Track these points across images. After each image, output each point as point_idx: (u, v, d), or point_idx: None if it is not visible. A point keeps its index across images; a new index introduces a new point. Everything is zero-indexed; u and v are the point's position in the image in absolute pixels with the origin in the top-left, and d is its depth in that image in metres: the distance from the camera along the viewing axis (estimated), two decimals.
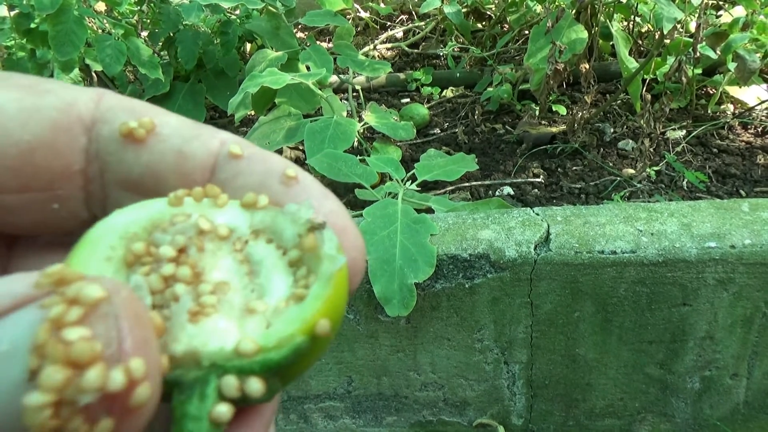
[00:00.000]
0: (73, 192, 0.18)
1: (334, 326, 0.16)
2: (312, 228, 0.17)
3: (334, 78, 1.66)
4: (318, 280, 0.16)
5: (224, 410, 0.14)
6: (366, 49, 1.88)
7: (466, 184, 1.27)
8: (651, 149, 1.24)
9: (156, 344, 0.14)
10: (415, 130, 1.35)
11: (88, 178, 0.17)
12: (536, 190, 1.25)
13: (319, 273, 0.16)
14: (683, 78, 1.23)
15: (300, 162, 1.46)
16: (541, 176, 1.28)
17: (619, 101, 1.53)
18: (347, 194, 1.31)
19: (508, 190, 1.25)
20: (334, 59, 1.37)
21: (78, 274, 0.13)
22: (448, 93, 1.70)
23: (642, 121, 1.25)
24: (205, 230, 0.16)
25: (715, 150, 1.32)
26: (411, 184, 1.05)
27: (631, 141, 1.37)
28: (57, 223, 0.18)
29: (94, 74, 1.60)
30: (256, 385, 0.15)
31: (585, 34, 1.28)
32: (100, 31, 1.54)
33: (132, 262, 0.16)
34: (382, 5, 2.07)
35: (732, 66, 1.35)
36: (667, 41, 1.34)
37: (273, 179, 0.18)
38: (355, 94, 1.60)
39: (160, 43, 1.66)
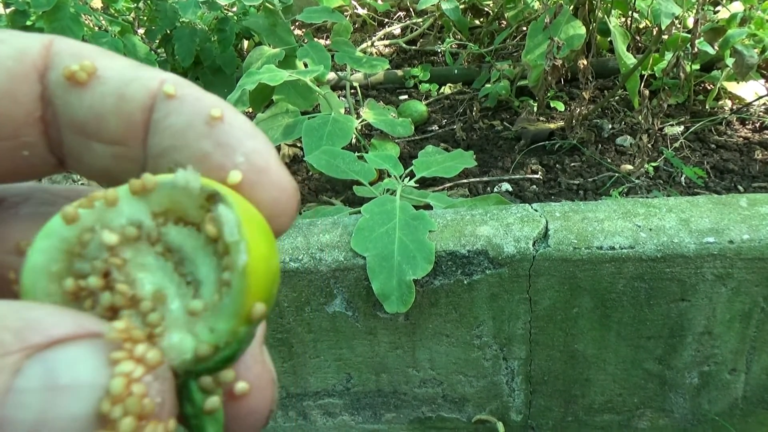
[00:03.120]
0: (37, 138, 0.18)
1: (269, 299, 0.17)
2: (208, 198, 0.17)
3: (331, 75, 1.66)
4: (233, 274, 0.16)
5: (214, 400, 0.17)
6: (364, 45, 1.88)
7: (465, 181, 1.27)
8: (649, 145, 1.24)
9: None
10: (413, 127, 1.35)
11: (47, 123, 0.18)
12: (534, 186, 1.25)
13: (233, 266, 0.16)
14: (681, 74, 1.23)
15: (298, 159, 1.46)
16: (540, 172, 1.28)
17: (617, 97, 1.53)
18: (345, 191, 1.31)
19: (506, 186, 1.25)
20: (332, 56, 1.36)
21: (141, 336, 0.15)
22: (446, 90, 1.70)
23: (640, 117, 1.25)
24: (114, 245, 0.16)
25: (713, 146, 1.32)
26: (409, 180, 1.05)
27: (629, 137, 1.37)
28: (32, 170, 0.19)
29: None
30: (228, 375, 0.17)
31: (583, 30, 1.27)
32: (96, 28, 1.53)
33: (73, 300, 0.16)
34: (379, 2, 2.06)
35: (730, 61, 1.35)
36: (665, 37, 1.34)
37: (199, 119, 0.18)
38: (352, 91, 1.60)
39: (157, 41, 1.65)
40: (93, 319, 0.15)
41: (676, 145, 1.31)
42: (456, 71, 1.72)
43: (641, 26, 1.68)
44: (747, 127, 1.39)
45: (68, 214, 0.16)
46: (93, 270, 0.16)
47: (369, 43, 1.91)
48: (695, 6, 1.25)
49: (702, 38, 1.35)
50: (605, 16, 1.48)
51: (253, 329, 0.17)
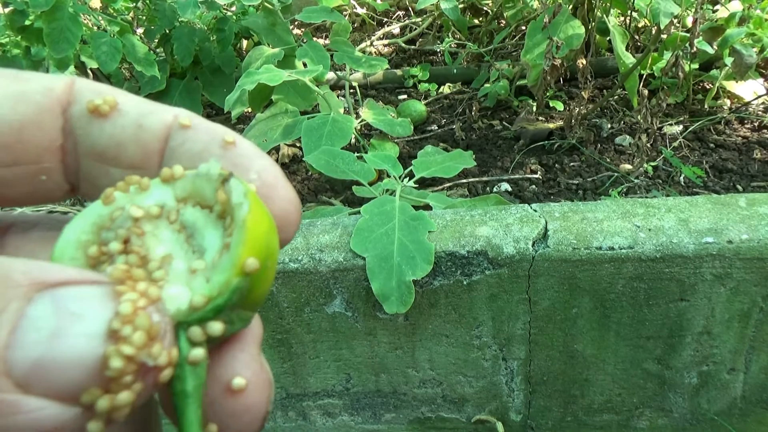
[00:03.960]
0: (55, 165, 0.20)
1: (265, 259, 0.18)
2: (223, 180, 0.19)
3: (330, 75, 1.65)
4: (235, 227, 0.18)
5: (198, 352, 0.17)
6: (363, 45, 1.88)
7: (464, 181, 1.27)
8: (648, 145, 1.24)
9: None
10: (412, 127, 1.35)
11: (65, 152, 0.20)
12: (534, 186, 1.25)
13: (235, 221, 0.18)
14: (680, 73, 1.23)
15: (298, 159, 1.46)
16: (539, 172, 1.28)
17: (616, 97, 1.53)
18: (345, 191, 1.31)
19: (505, 186, 1.25)
20: (331, 56, 1.36)
21: (142, 275, 0.17)
22: (446, 89, 1.70)
23: (639, 117, 1.25)
24: (138, 217, 0.19)
25: (712, 145, 1.32)
26: (408, 181, 1.05)
27: (628, 136, 1.37)
28: (45, 194, 0.21)
29: (89, 72, 1.60)
30: (215, 326, 0.18)
31: (582, 30, 1.27)
32: (95, 28, 1.53)
33: (94, 264, 0.18)
34: (378, 1, 2.06)
35: (729, 61, 1.35)
36: (664, 36, 1.34)
37: (215, 144, 0.20)
38: (352, 90, 1.60)
39: (156, 40, 1.65)
40: (98, 274, 0.16)
41: (675, 144, 1.31)
42: (455, 71, 1.72)
43: (640, 25, 1.68)
44: (746, 126, 1.39)
45: (107, 195, 0.19)
46: (116, 237, 0.18)
47: (368, 42, 1.91)
48: (694, 5, 1.25)
49: (701, 37, 1.35)
50: (604, 16, 1.48)
51: (246, 285, 0.18)
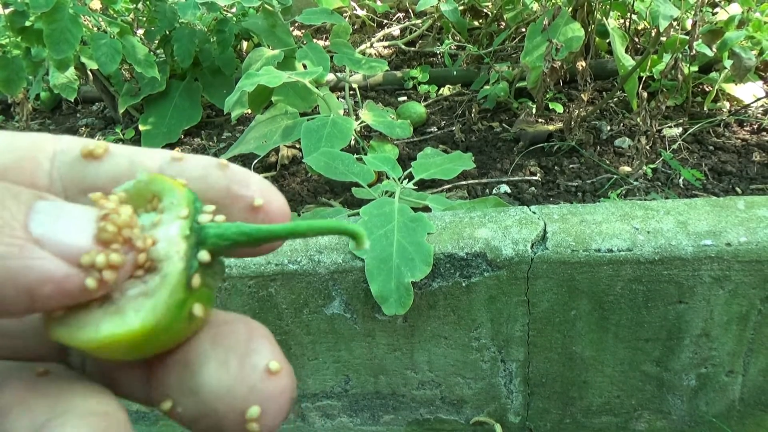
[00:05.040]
0: None
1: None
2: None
3: (330, 76, 1.66)
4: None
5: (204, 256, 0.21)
6: (363, 47, 1.88)
7: (463, 183, 1.27)
8: (647, 147, 1.24)
9: None
10: (411, 129, 1.35)
11: (54, 193, 0.24)
12: (533, 188, 1.25)
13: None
14: (679, 75, 1.23)
15: (297, 160, 1.46)
16: (538, 174, 1.28)
17: (615, 99, 1.54)
18: (344, 193, 1.31)
19: (505, 188, 1.25)
20: (331, 57, 1.37)
21: (115, 200, 0.20)
22: (445, 91, 1.70)
23: (638, 119, 1.25)
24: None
25: (711, 147, 1.32)
26: (408, 182, 1.06)
27: (627, 139, 1.37)
28: None
29: (89, 73, 1.60)
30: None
31: (581, 32, 1.28)
32: (95, 29, 1.53)
33: None
34: (378, 3, 2.06)
35: (728, 63, 1.35)
36: (664, 39, 1.34)
37: (212, 166, 0.24)
38: (351, 92, 1.60)
39: (156, 42, 1.65)
40: None
41: (675, 146, 1.32)
42: (455, 72, 1.72)
43: (640, 28, 1.69)
44: (745, 128, 1.39)
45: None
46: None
47: (368, 44, 1.91)
48: (693, 8, 1.26)
49: (700, 40, 1.35)
50: (604, 18, 1.48)
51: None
